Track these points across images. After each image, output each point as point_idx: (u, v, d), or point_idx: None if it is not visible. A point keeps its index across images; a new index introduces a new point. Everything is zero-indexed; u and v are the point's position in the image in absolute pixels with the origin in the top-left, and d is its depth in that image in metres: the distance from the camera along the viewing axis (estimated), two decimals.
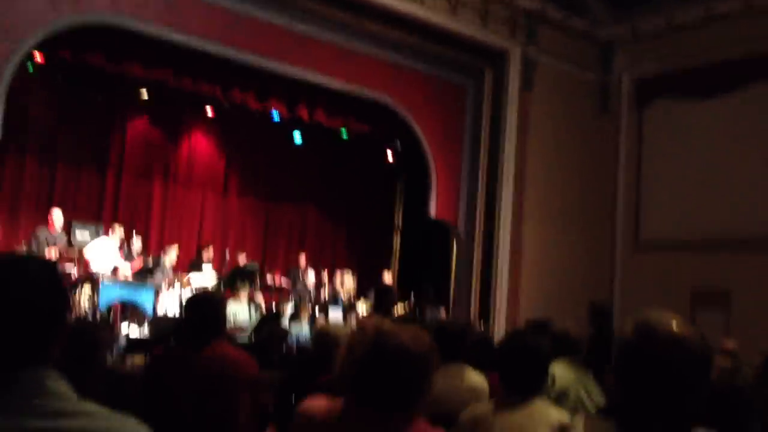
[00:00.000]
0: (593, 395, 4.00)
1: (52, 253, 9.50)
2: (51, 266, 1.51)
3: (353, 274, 12.75)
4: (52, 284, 1.42)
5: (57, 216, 10.11)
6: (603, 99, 13.37)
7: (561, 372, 4.09)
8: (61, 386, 1.37)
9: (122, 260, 10.49)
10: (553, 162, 12.57)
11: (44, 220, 10.51)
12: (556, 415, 2.77)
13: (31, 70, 10.52)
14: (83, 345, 3.52)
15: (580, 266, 12.58)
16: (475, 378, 3.95)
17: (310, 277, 12.48)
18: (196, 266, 11.55)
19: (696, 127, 12.14)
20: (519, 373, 2.94)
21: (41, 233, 9.90)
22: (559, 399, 3.91)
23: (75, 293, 9.49)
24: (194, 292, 9.46)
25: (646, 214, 12.71)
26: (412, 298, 11.63)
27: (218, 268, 11.96)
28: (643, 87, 13.01)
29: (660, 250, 12.30)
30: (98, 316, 9.15)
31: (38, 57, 10.14)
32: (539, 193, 12.38)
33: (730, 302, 11.26)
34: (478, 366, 4.17)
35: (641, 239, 12.72)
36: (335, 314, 11.25)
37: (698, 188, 11.94)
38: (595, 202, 12.96)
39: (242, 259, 12.36)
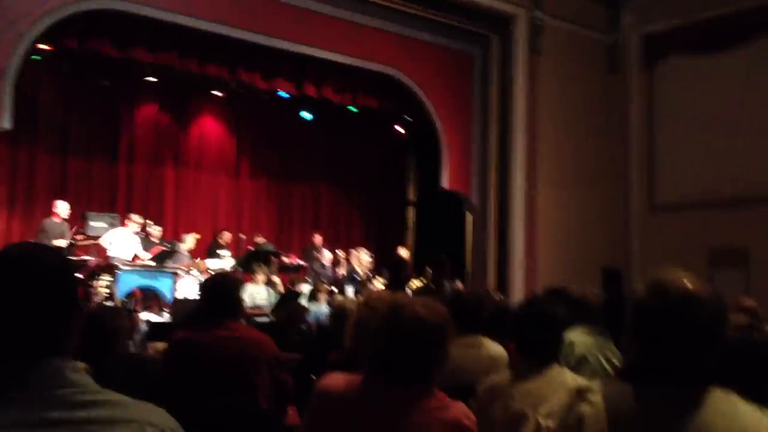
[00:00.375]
0: (613, 360, 3.99)
1: (60, 244, 9.54)
2: (62, 256, 1.51)
3: (369, 251, 12.76)
4: (64, 274, 1.42)
5: (61, 207, 10.13)
6: (612, 59, 13.22)
7: (579, 338, 4.07)
8: (81, 377, 1.37)
9: (141, 248, 10.55)
10: (565, 126, 12.48)
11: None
12: (573, 380, 2.77)
13: (39, 58, 10.52)
14: (104, 333, 3.54)
15: (596, 230, 12.54)
16: (494, 347, 3.95)
17: (326, 255, 12.50)
18: (213, 253, 11.62)
19: (708, 82, 11.99)
20: (534, 341, 2.92)
21: (48, 225, 9.94)
22: (579, 366, 3.90)
23: (93, 282, 9.56)
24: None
25: (661, 175, 12.62)
26: (429, 271, 11.63)
27: (234, 252, 12.01)
28: (652, 44, 12.85)
29: (676, 210, 12.22)
30: (118, 303, 9.22)
31: (45, 47, 10.13)
32: (551, 159, 12.31)
33: (748, 260, 11.19)
34: (497, 335, 4.17)
35: (656, 200, 12.64)
36: (353, 292, 11.27)
37: (713, 145, 11.82)
38: (609, 164, 12.88)
39: (260, 240, 12.41)
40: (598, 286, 6.15)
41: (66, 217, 10.17)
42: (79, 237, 10.15)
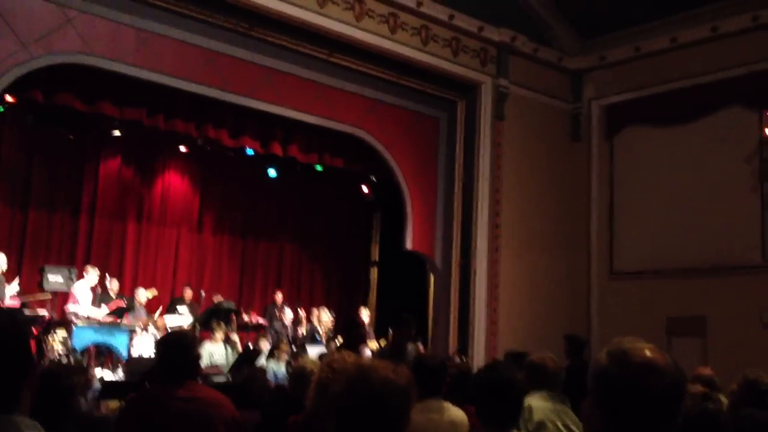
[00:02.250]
0: (571, 427, 3.99)
1: (13, 303, 9.30)
2: (12, 317, 1.50)
3: (330, 311, 12.68)
4: (14, 334, 1.41)
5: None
6: (574, 127, 13.55)
7: (538, 403, 4.08)
8: None
9: (93, 306, 10.34)
10: (528, 191, 12.68)
11: (15, 265, 10.35)
12: None
13: (2, 109, 10.44)
14: (57, 390, 3.46)
15: (557, 295, 12.64)
16: (455, 412, 3.92)
17: (288, 314, 12.40)
18: (173, 309, 11.47)
19: (666, 153, 12.31)
20: (493, 406, 2.93)
21: None
22: (537, 431, 3.90)
23: (48, 337, 9.33)
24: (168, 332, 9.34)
25: (620, 242, 12.82)
26: (391, 333, 11.57)
27: (195, 308, 11.86)
28: (613, 115, 13.21)
29: (635, 278, 12.39)
30: (72, 359, 9.00)
31: (9, 98, 10.07)
32: (514, 223, 12.45)
33: (706, 328, 11.34)
34: (458, 400, 4.15)
35: (616, 267, 12.81)
36: (314, 351, 11.15)
37: (671, 215, 12.07)
38: (570, 230, 13.07)
39: (218, 299, 12.27)
40: (561, 352, 6.16)
41: (3, 270, 9.81)
42: (28, 295, 9.91)
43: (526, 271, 12.43)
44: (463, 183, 12.45)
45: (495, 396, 2.93)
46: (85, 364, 9.03)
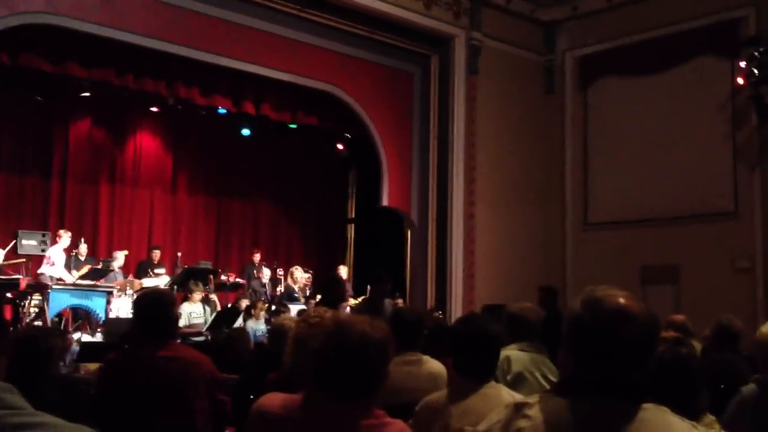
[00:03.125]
0: (550, 377, 4.05)
1: None
2: None
3: (306, 269, 12.70)
4: None
5: None
6: (548, 79, 13.54)
7: (516, 355, 4.12)
8: (16, 398, 1.36)
9: (66, 271, 10.29)
10: (502, 144, 12.70)
11: None
12: (510, 396, 2.80)
13: None
14: (34, 353, 3.45)
15: (533, 247, 12.76)
16: (434, 365, 3.97)
17: (265, 273, 12.40)
18: (143, 271, 11.41)
19: (639, 103, 12.36)
20: (471, 358, 2.95)
21: None
22: (516, 382, 3.95)
23: (24, 302, 9.27)
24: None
25: (594, 193, 12.93)
26: (369, 290, 11.62)
27: (170, 270, 11.82)
28: (586, 66, 13.21)
29: (609, 228, 12.52)
30: (49, 323, 8.96)
31: None
32: (489, 176, 12.49)
33: (679, 276, 11.53)
34: (436, 352, 4.20)
35: (590, 218, 12.94)
36: (295, 309, 11.19)
37: (644, 165, 12.16)
38: (545, 182, 13.14)
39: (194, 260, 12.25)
40: (537, 303, 6.23)
41: None
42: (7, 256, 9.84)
43: (502, 224, 12.51)
44: (438, 138, 12.44)
45: (471, 348, 2.95)
46: (62, 327, 9.01)
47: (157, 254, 11.93)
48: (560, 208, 13.16)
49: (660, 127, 12.05)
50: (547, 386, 3.88)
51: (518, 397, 2.72)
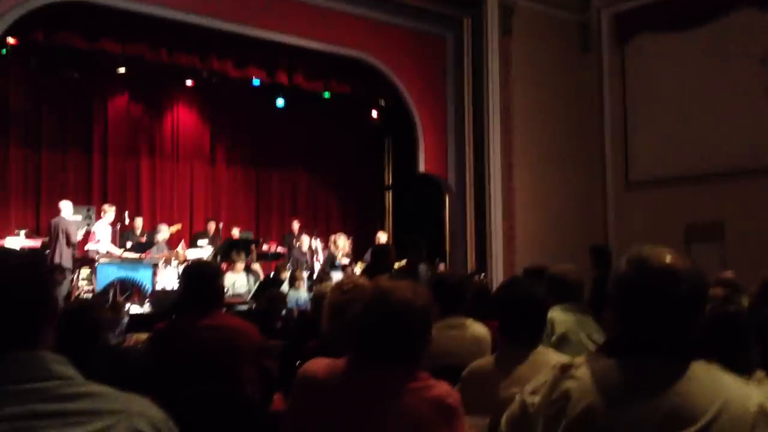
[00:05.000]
0: (594, 337, 4.03)
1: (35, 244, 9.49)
2: (28, 255, 1.54)
3: (347, 236, 12.75)
4: (28, 272, 1.44)
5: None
6: (583, 38, 13.27)
7: (560, 317, 4.10)
8: (68, 369, 1.38)
9: (113, 245, 10.49)
10: (539, 106, 12.53)
11: (33, 208, 10.48)
12: (557, 359, 2.78)
13: (4, 52, 10.37)
14: (86, 326, 3.52)
15: (573, 209, 12.62)
16: (477, 328, 3.97)
17: (305, 242, 12.49)
18: (194, 243, 11.59)
19: (679, 59, 12.08)
20: (517, 323, 2.91)
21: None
22: (560, 344, 3.93)
23: (73, 275, 9.49)
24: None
25: (635, 151, 12.72)
26: (408, 255, 11.63)
27: (213, 241, 11.97)
28: (623, 22, 12.91)
29: (651, 186, 12.33)
30: (98, 296, 9.17)
31: (11, 40, 9.99)
32: (527, 139, 12.36)
33: (724, 233, 11.33)
34: (479, 316, 4.20)
35: (632, 177, 12.75)
36: (337, 277, 11.27)
37: (686, 121, 11.92)
38: (584, 142, 12.96)
39: (236, 233, 12.35)
40: (581, 264, 6.16)
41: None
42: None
43: (541, 185, 12.40)
44: (473, 102, 12.33)
45: (518, 312, 2.90)
46: (110, 299, 9.20)
47: (211, 226, 12.08)
48: (600, 168, 12.98)
49: (701, 82, 11.78)
50: (592, 347, 3.86)
51: (566, 359, 2.71)
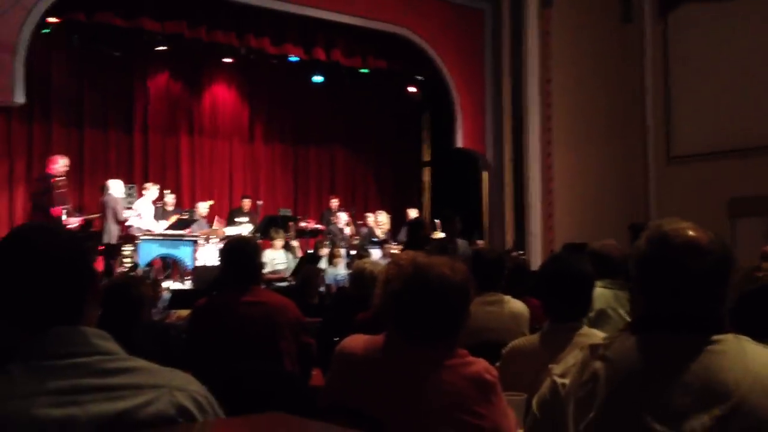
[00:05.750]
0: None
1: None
2: (71, 233, 1.56)
3: (387, 213, 12.78)
4: (71, 248, 1.47)
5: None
6: (625, 8, 12.97)
7: (598, 292, 4.04)
8: (110, 344, 1.41)
9: (155, 222, 10.65)
10: (579, 78, 12.33)
11: (76, 186, 10.68)
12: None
13: (48, 31, 10.53)
14: (128, 301, 3.59)
15: (613, 185, 12.45)
16: (515, 304, 3.96)
17: (342, 219, 12.53)
18: (232, 220, 11.70)
19: (724, 29, 11.76)
20: (562, 300, 2.82)
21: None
22: (598, 319, 3.90)
23: (115, 252, 9.65)
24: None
25: (677, 125, 12.47)
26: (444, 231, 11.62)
27: (254, 217, 12.06)
28: None
29: (694, 160, 12.09)
30: (139, 272, 9.31)
31: (53, 19, 10.13)
32: (566, 114, 12.19)
33: None
34: (516, 293, 4.18)
35: (673, 151, 12.51)
36: (377, 254, 11.30)
37: (729, 94, 11.63)
38: (624, 116, 12.73)
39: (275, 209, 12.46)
40: (621, 241, 6.11)
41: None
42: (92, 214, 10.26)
43: (581, 161, 12.24)
44: (512, 76, 12.19)
45: (565, 288, 2.81)
46: (152, 276, 9.35)
47: (246, 203, 12.18)
48: (641, 142, 12.75)
49: (746, 53, 11.47)
50: None
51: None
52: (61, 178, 9.27)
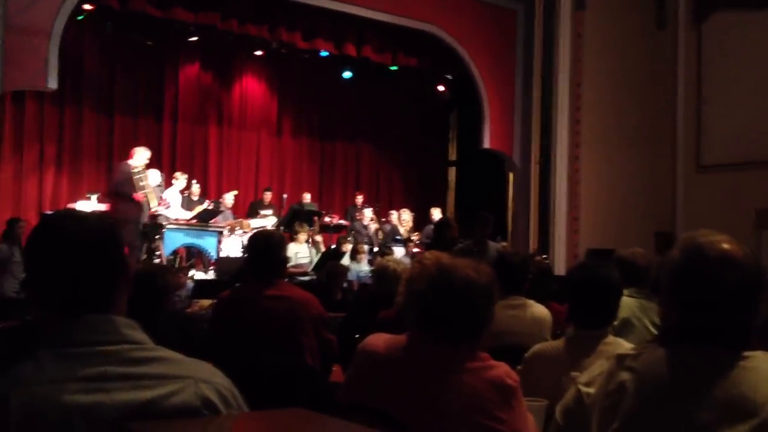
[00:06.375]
0: (658, 325, 3.95)
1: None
2: (104, 220, 1.58)
3: (411, 211, 12.77)
4: (105, 236, 1.48)
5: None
6: (659, 14, 12.83)
7: (624, 301, 4.01)
8: (138, 333, 1.42)
9: (185, 207, 10.72)
10: (610, 83, 12.22)
11: (105, 173, 10.81)
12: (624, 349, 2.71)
13: (82, 18, 10.64)
14: (152, 289, 3.62)
15: (641, 191, 12.32)
16: (538, 309, 3.94)
17: (367, 215, 12.54)
18: (254, 212, 11.73)
19: (758, 38, 11.60)
20: (589, 307, 2.80)
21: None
22: (623, 328, 3.87)
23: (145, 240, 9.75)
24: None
25: (708, 134, 12.31)
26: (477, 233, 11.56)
27: (277, 211, 12.11)
28: None
29: (723, 170, 11.93)
30: (164, 261, 9.39)
31: (88, 6, 10.24)
32: (595, 118, 12.09)
33: None
34: (540, 297, 4.16)
35: (703, 160, 12.36)
36: (399, 251, 11.30)
37: (762, 103, 11.48)
38: (654, 123, 12.60)
39: (306, 198, 12.46)
40: (646, 249, 6.06)
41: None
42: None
43: (608, 166, 12.13)
44: (542, 78, 12.11)
45: (592, 296, 2.79)
46: (177, 265, 9.42)
47: (268, 195, 12.22)
48: (671, 150, 12.60)
49: None
50: (656, 333, 3.79)
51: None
52: (138, 168, 9.64)
